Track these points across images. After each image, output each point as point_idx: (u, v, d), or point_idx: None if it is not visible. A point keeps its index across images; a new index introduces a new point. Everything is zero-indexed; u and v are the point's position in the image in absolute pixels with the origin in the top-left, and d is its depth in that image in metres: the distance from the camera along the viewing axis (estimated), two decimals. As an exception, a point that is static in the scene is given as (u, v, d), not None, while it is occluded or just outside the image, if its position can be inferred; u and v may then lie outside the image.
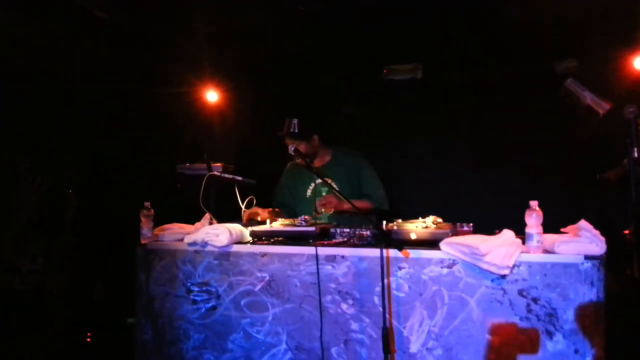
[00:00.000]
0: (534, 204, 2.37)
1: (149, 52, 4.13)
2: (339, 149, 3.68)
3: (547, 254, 2.34)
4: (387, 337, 2.35)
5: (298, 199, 3.65)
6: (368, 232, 2.76)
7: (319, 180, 3.57)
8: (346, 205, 3.41)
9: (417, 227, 2.65)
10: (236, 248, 2.86)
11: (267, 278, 2.77)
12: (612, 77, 3.87)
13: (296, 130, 3.47)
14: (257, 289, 2.80)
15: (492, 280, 2.37)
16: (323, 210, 3.38)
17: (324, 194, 3.55)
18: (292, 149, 3.16)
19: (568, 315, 2.26)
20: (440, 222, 2.72)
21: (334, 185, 3.47)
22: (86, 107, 4.52)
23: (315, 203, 3.40)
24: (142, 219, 3.05)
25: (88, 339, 4.25)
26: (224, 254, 2.87)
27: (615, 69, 3.90)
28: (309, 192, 3.61)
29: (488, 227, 2.62)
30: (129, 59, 4.13)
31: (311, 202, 3.50)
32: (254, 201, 3.23)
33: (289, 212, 3.56)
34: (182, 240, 3.00)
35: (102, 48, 3.91)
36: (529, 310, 2.32)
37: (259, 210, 3.34)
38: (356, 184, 3.52)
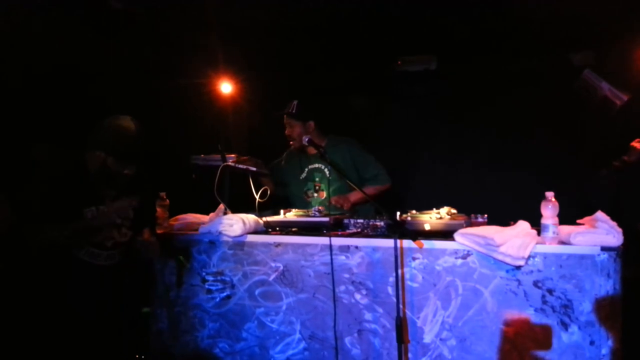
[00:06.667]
0: (550, 194, 2.35)
1: (162, 44, 4.14)
2: (332, 137, 3.71)
3: (563, 245, 2.32)
4: (401, 327, 2.36)
5: (292, 180, 3.75)
6: (382, 223, 2.76)
7: (312, 166, 3.68)
8: (353, 197, 3.45)
9: (431, 218, 2.64)
10: (250, 238, 2.88)
11: (281, 268, 2.79)
12: (629, 69, 3.83)
13: (294, 111, 3.56)
14: (271, 278, 2.81)
15: (507, 271, 2.36)
16: (339, 205, 3.41)
17: (317, 178, 3.66)
18: (307, 139, 3.15)
19: (584, 307, 2.25)
20: (454, 213, 2.70)
21: (326, 172, 3.57)
22: (98, 99, 4.55)
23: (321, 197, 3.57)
24: (158, 209, 3.08)
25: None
26: (238, 244, 2.89)
27: (633, 61, 3.86)
28: (303, 175, 3.72)
29: (503, 219, 2.61)
30: (142, 50, 4.14)
31: (303, 183, 3.69)
32: (268, 191, 3.24)
33: (282, 191, 3.72)
34: (196, 230, 3.03)
35: (116, 39, 3.92)
36: (544, 302, 2.31)
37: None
38: (352, 169, 3.53)
